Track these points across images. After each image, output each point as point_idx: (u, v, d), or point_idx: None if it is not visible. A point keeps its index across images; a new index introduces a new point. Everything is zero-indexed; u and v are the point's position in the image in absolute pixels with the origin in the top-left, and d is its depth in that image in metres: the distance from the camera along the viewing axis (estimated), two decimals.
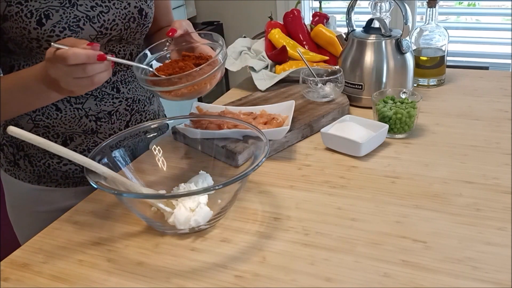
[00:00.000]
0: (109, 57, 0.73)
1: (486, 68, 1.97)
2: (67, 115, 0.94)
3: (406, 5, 1.11)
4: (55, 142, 0.94)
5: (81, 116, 0.95)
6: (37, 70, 0.78)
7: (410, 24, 1.11)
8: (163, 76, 0.79)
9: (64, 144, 0.95)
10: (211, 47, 0.88)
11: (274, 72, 1.33)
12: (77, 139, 0.96)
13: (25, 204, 1.02)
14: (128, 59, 0.98)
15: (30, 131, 0.94)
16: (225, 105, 1.11)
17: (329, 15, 1.51)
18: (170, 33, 0.84)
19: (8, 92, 0.81)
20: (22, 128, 0.94)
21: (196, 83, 0.78)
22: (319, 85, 1.11)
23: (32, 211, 1.02)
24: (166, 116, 1.17)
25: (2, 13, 0.84)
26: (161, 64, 0.86)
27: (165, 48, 0.90)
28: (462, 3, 2.87)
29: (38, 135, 0.93)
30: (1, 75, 0.90)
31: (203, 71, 0.78)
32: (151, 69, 0.83)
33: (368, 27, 1.19)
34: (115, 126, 0.98)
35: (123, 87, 0.98)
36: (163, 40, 0.91)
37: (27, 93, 0.81)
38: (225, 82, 3.26)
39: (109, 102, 0.96)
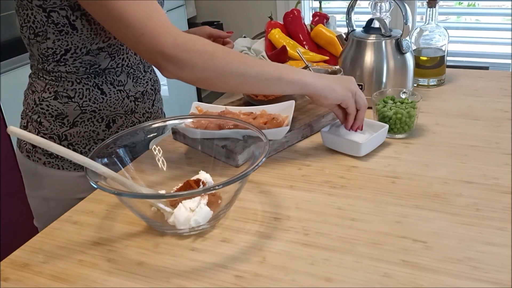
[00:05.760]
0: None
1: (486, 68, 1.96)
2: (112, 98, 0.98)
3: (406, 5, 1.11)
4: (99, 126, 0.99)
5: (123, 97, 1.00)
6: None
7: (410, 24, 1.11)
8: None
9: (108, 127, 1.00)
10: None
11: None
12: (118, 121, 1.01)
13: (66, 193, 1.02)
14: None
15: (76, 118, 0.97)
16: (225, 105, 1.11)
17: (329, 15, 1.51)
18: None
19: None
20: (66, 116, 0.97)
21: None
22: None
23: (72, 198, 0.99)
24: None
25: None
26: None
27: None
28: (462, 3, 2.87)
29: (84, 121, 0.97)
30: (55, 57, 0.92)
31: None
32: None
33: (368, 27, 1.19)
34: (146, 106, 1.04)
35: (146, 68, 1.05)
36: None
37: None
38: None
39: (141, 82, 1.03)
